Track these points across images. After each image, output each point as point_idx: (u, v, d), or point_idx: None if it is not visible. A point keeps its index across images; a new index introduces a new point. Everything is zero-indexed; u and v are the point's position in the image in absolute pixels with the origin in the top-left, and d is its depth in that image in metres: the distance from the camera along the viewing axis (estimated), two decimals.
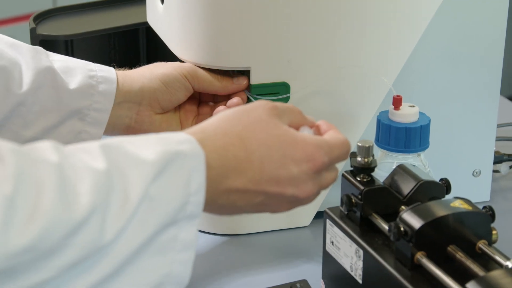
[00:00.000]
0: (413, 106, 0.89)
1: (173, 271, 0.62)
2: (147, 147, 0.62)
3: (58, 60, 0.89)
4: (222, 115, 0.68)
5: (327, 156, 0.69)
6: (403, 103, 0.89)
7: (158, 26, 1.00)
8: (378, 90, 0.95)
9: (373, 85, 0.95)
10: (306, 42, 0.93)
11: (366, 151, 0.79)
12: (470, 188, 1.04)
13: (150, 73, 0.91)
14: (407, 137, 0.87)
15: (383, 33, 0.95)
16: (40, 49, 0.89)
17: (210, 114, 0.92)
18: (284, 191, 0.67)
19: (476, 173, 1.04)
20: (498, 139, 1.14)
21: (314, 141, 0.69)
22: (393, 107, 0.89)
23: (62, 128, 0.87)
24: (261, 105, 0.69)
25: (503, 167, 1.10)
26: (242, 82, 0.90)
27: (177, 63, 0.92)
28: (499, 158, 1.09)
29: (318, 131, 0.73)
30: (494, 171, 1.09)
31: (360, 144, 0.79)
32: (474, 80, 1.00)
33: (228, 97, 0.92)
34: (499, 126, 1.17)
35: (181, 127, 0.92)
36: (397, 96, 0.88)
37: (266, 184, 0.66)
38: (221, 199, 0.65)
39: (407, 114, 0.88)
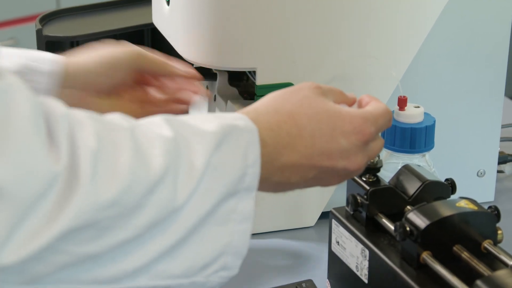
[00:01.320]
0: (418, 107, 0.89)
1: (233, 242, 0.63)
2: (207, 120, 0.64)
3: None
4: (271, 95, 0.70)
5: (373, 127, 0.71)
6: (408, 104, 0.89)
7: (164, 27, 1.01)
8: (384, 90, 0.95)
9: (379, 84, 0.95)
10: (311, 43, 0.93)
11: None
12: (474, 188, 1.04)
13: (88, 55, 0.87)
14: (412, 138, 0.88)
15: (389, 33, 0.95)
16: None
17: (157, 106, 0.88)
18: (335, 164, 0.69)
19: (481, 173, 1.04)
20: (503, 139, 1.14)
21: (360, 113, 0.71)
22: (398, 107, 0.89)
23: None
24: (306, 85, 0.71)
25: (508, 167, 1.10)
26: (189, 69, 0.88)
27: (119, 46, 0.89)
28: (503, 159, 1.09)
29: (360, 106, 0.76)
30: (498, 171, 1.09)
31: None
32: (479, 80, 1.01)
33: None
34: (503, 126, 1.17)
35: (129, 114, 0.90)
36: (403, 96, 0.89)
37: (318, 158, 0.68)
38: (276, 176, 0.67)
39: (412, 115, 0.88)
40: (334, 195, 0.95)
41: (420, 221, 0.71)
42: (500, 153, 1.08)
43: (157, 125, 0.62)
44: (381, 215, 0.77)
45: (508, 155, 1.10)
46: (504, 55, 1.00)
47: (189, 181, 0.60)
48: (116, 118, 0.61)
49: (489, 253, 0.72)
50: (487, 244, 0.72)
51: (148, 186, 0.58)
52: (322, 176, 0.69)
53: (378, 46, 0.95)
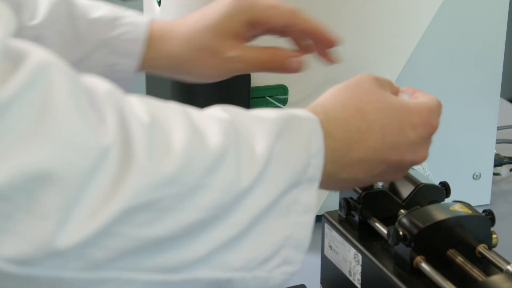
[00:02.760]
0: None
1: (294, 234, 0.60)
2: (265, 110, 0.62)
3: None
4: (333, 90, 0.68)
5: (438, 118, 0.70)
6: None
7: None
8: None
9: None
10: None
11: None
12: (470, 191, 1.03)
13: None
14: None
15: (382, 35, 0.94)
16: None
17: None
18: (403, 157, 0.67)
19: (476, 176, 1.03)
20: (499, 141, 1.14)
21: (425, 105, 0.69)
22: None
23: (90, 61, 0.82)
24: (366, 77, 0.69)
25: (504, 170, 1.09)
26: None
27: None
28: (499, 161, 1.08)
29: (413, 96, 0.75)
30: (494, 174, 1.08)
31: None
32: (474, 82, 1.00)
33: None
34: (499, 128, 1.16)
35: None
36: None
37: (388, 153, 0.66)
38: (344, 172, 0.65)
39: None
40: (326, 199, 0.94)
41: (414, 226, 0.69)
42: (496, 155, 1.08)
43: (212, 110, 0.59)
44: (374, 219, 0.76)
45: (504, 157, 1.09)
46: (499, 56, 1.00)
47: (253, 165, 0.57)
48: (170, 103, 0.57)
49: (484, 257, 0.71)
50: (481, 248, 0.71)
51: (208, 164, 0.55)
52: (388, 171, 0.67)
53: (372, 48, 0.94)
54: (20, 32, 0.81)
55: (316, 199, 0.61)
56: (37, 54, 0.50)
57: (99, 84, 0.53)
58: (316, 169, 0.61)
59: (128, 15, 0.83)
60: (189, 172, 0.54)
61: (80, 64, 0.82)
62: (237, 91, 0.98)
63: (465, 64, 0.98)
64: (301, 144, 0.61)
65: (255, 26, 0.80)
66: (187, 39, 0.81)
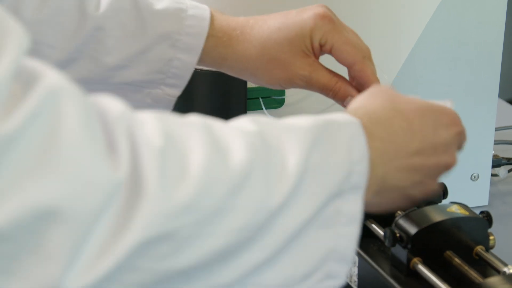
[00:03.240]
0: None
1: (337, 246, 0.57)
2: (299, 118, 0.58)
3: None
4: (366, 94, 0.66)
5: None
6: None
7: None
8: None
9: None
10: None
11: None
12: (468, 192, 1.02)
13: (257, 57, 0.80)
14: None
15: (380, 35, 0.93)
16: None
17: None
18: (439, 160, 0.64)
19: (474, 177, 1.03)
20: (497, 142, 1.13)
21: (446, 107, 0.68)
22: None
23: (150, 55, 0.80)
24: (384, 86, 0.68)
25: (502, 171, 1.09)
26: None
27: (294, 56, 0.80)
28: (497, 162, 1.08)
29: None
30: (492, 175, 1.08)
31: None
32: (472, 83, 0.99)
33: None
34: (497, 129, 1.16)
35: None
36: None
37: (427, 154, 0.63)
38: (392, 178, 0.61)
39: None
40: None
41: (410, 227, 0.69)
42: (494, 156, 1.07)
43: (239, 122, 0.56)
44: (370, 221, 0.76)
45: (503, 158, 1.09)
46: (497, 57, 0.99)
47: (284, 181, 0.53)
48: (191, 117, 0.54)
49: (481, 259, 0.71)
50: (479, 250, 0.71)
51: (231, 185, 0.51)
52: (426, 178, 0.64)
53: (371, 49, 0.93)
54: (81, 20, 0.78)
55: (361, 208, 0.58)
56: (48, 79, 0.46)
57: (111, 106, 0.50)
58: (360, 176, 0.57)
59: (191, 6, 0.80)
60: (209, 196, 0.50)
61: (140, 58, 0.80)
62: (234, 92, 0.97)
63: (463, 65, 0.98)
64: (341, 152, 0.57)
65: (326, 50, 0.80)
66: (262, 46, 0.79)
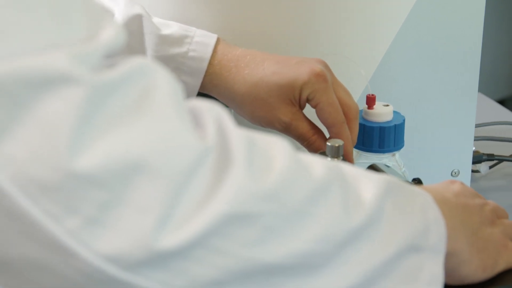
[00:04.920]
0: (388, 105, 0.88)
1: None
2: (371, 172, 0.59)
3: (157, 18, 0.88)
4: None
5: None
6: (377, 102, 0.87)
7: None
8: (353, 89, 0.94)
9: (349, 83, 0.94)
10: (281, 42, 0.92)
11: (336, 150, 0.77)
12: None
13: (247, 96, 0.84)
14: (381, 137, 0.86)
15: (358, 32, 0.94)
16: (136, 1, 0.88)
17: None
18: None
19: (455, 173, 1.03)
20: (478, 138, 1.13)
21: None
22: (367, 106, 0.87)
23: None
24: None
25: (483, 167, 1.09)
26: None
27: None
28: (478, 158, 1.08)
29: None
30: (473, 171, 1.08)
31: (329, 144, 0.77)
32: (452, 79, 0.99)
33: None
34: (478, 125, 1.16)
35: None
36: (371, 95, 0.87)
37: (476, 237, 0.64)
38: (472, 256, 0.62)
39: (381, 113, 0.87)
40: None
41: None
42: (475, 152, 1.07)
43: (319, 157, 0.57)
44: None
45: (483, 154, 1.09)
46: (477, 53, 0.99)
47: (361, 207, 0.54)
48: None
49: None
50: None
51: (311, 192, 0.52)
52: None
53: (347, 45, 0.94)
54: None
55: (442, 271, 0.58)
56: (141, 58, 0.50)
57: (201, 101, 0.53)
58: (438, 238, 0.58)
59: (199, 34, 0.85)
60: (291, 192, 0.51)
61: None
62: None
63: (442, 61, 0.98)
64: (415, 208, 0.57)
65: (311, 106, 0.83)
66: (252, 85, 0.83)
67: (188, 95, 0.85)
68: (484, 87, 2.10)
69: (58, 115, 0.45)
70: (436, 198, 0.60)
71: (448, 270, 0.60)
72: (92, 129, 0.46)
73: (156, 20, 0.86)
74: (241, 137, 0.51)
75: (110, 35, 0.49)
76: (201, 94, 0.88)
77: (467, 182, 1.04)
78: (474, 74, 1.00)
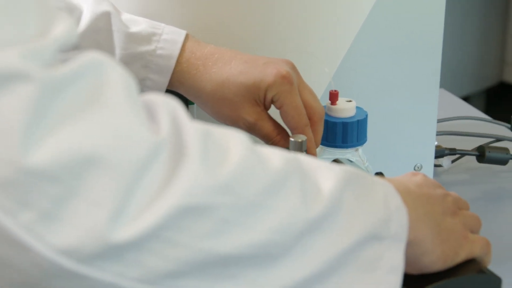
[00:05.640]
0: (350, 101, 0.88)
1: None
2: (332, 164, 0.59)
3: (126, 14, 0.88)
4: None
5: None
6: (340, 98, 0.88)
7: None
8: (317, 85, 0.95)
9: (312, 80, 0.94)
10: (244, 38, 0.92)
11: (299, 146, 0.78)
12: None
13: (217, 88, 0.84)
14: (344, 132, 0.87)
15: (320, 29, 0.94)
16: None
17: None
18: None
19: (418, 167, 1.04)
20: (440, 133, 1.14)
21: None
22: (330, 102, 0.88)
23: None
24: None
25: (445, 161, 1.10)
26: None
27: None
28: (440, 152, 1.09)
29: None
30: (436, 165, 1.09)
31: (292, 139, 0.78)
32: (413, 74, 1.00)
33: None
34: (441, 120, 1.17)
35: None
36: (334, 90, 0.88)
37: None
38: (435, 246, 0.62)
39: (344, 109, 0.88)
40: None
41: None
42: (437, 147, 1.08)
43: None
44: None
45: (445, 148, 1.10)
46: (438, 48, 1.00)
47: (320, 198, 0.54)
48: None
49: None
50: None
51: (268, 184, 0.52)
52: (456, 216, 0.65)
53: (311, 42, 0.94)
54: None
55: (403, 261, 0.58)
56: (94, 53, 0.50)
57: (154, 96, 0.53)
58: (400, 227, 0.58)
59: (167, 31, 0.85)
60: (246, 187, 0.52)
61: None
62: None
63: (403, 57, 0.99)
64: (375, 198, 0.58)
65: (276, 107, 0.83)
66: (218, 84, 0.83)
67: (156, 92, 0.85)
68: (449, 85, 2.13)
69: (10, 111, 0.46)
70: (399, 188, 0.61)
71: (410, 259, 0.60)
72: (45, 124, 0.46)
73: (125, 16, 0.87)
74: (196, 130, 0.52)
75: (62, 30, 0.49)
76: (168, 91, 0.88)
77: (430, 176, 1.05)
78: (435, 70, 1.01)
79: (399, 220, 0.59)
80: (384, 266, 0.57)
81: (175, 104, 0.53)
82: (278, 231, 0.52)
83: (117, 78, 0.50)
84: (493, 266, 0.66)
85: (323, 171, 0.57)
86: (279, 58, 0.85)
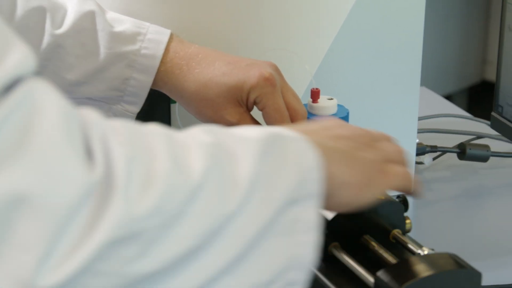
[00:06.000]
0: (332, 99, 0.89)
1: (298, 254, 0.59)
2: (249, 129, 0.61)
3: (111, 13, 0.88)
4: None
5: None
6: (321, 96, 0.89)
7: None
8: (298, 84, 0.95)
9: (294, 78, 0.95)
10: (225, 37, 0.92)
11: None
12: None
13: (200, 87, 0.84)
14: None
15: (302, 25, 0.94)
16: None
17: None
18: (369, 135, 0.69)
19: None
20: (421, 131, 1.15)
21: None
22: (311, 100, 0.89)
23: (107, 73, 0.86)
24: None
25: (426, 158, 1.11)
26: None
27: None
28: (421, 150, 1.10)
29: None
30: (417, 162, 1.10)
31: None
32: (394, 72, 1.01)
33: None
34: (422, 118, 1.18)
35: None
36: (315, 88, 0.88)
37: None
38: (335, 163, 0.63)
39: (325, 107, 0.88)
40: None
41: (327, 212, 0.70)
42: (419, 144, 1.09)
43: (195, 133, 0.58)
44: None
45: (427, 146, 1.11)
46: (418, 46, 1.01)
47: (237, 189, 0.56)
48: (152, 126, 0.57)
49: (398, 242, 0.72)
50: (395, 233, 0.72)
51: (188, 192, 0.54)
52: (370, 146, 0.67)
53: (292, 40, 0.94)
54: (41, 38, 0.85)
55: (317, 215, 0.59)
56: (30, 80, 0.49)
57: (89, 114, 0.53)
58: (314, 183, 0.59)
59: (151, 31, 0.86)
60: (171, 201, 0.53)
61: (98, 75, 0.86)
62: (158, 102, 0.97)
63: (384, 55, 1.00)
64: (291, 161, 0.59)
65: (258, 108, 0.84)
66: (201, 85, 0.84)
67: (140, 92, 0.86)
68: (431, 83, 2.14)
69: None
70: (312, 137, 0.62)
71: (328, 195, 0.62)
72: None
73: (109, 15, 0.87)
74: (123, 155, 0.52)
75: (16, 61, 0.48)
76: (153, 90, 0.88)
77: (411, 174, 1.05)
78: (416, 68, 1.02)
79: (313, 178, 0.60)
80: (301, 227, 0.59)
81: (104, 124, 0.53)
82: (199, 234, 0.54)
83: (52, 108, 0.49)
84: (474, 262, 0.67)
85: (241, 150, 0.58)
86: (262, 60, 0.85)
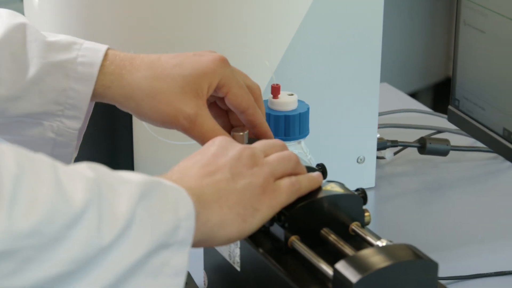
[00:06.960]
0: (292, 94, 0.90)
1: None
2: (131, 173, 0.63)
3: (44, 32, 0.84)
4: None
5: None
6: (282, 92, 0.89)
7: (35, 23, 0.99)
8: (259, 80, 0.96)
9: (254, 75, 0.95)
10: (185, 34, 0.93)
11: (241, 139, 0.79)
12: (355, 174, 1.05)
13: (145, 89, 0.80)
14: (286, 125, 0.88)
15: (262, 23, 0.95)
16: (20, 14, 0.84)
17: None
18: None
19: (361, 160, 1.06)
20: (382, 126, 1.16)
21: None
22: (272, 95, 0.89)
23: (43, 85, 0.80)
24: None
25: (387, 153, 1.12)
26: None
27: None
28: (382, 145, 1.11)
29: None
30: (378, 157, 1.11)
31: (234, 133, 0.79)
32: (354, 68, 1.02)
33: None
34: (383, 113, 1.19)
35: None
36: (276, 84, 0.89)
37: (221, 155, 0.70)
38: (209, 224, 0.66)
39: (285, 102, 0.89)
40: None
41: (287, 206, 0.71)
42: (379, 139, 1.10)
43: (81, 167, 0.60)
44: None
45: (387, 141, 1.12)
46: (377, 42, 1.02)
47: (114, 224, 0.59)
48: (40, 155, 0.58)
49: (357, 235, 0.73)
50: (354, 226, 0.73)
51: (68, 219, 0.56)
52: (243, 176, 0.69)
53: (252, 37, 0.95)
54: None
55: (187, 262, 0.63)
56: None
57: None
58: (187, 232, 0.63)
59: (88, 42, 0.82)
60: (51, 224, 0.55)
61: (33, 87, 0.80)
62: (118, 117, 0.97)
63: (344, 51, 1.01)
64: (167, 208, 0.63)
65: (222, 93, 0.81)
66: (153, 78, 0.79)
67: (80, 104, 0.81)
68: (396, 80, 2.15)
69: None
70: (189, 183, 0.66)
71: (209, 237, 0.66)
72: None
73: (42, 32, 0.83)
74: (10, 175, 0.54)
75: None
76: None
77: (373, 168, 1.07)
78: (375, 64, 1.03)
79: (186, 226, 0.63)
80: (169, 271, 0.62)
81: None
82: (73, 261, 0.56)
83: None
84: (432, 253, 0.68)
85: (121, 190, 0.60)
86: (203, 50, 0.83)
